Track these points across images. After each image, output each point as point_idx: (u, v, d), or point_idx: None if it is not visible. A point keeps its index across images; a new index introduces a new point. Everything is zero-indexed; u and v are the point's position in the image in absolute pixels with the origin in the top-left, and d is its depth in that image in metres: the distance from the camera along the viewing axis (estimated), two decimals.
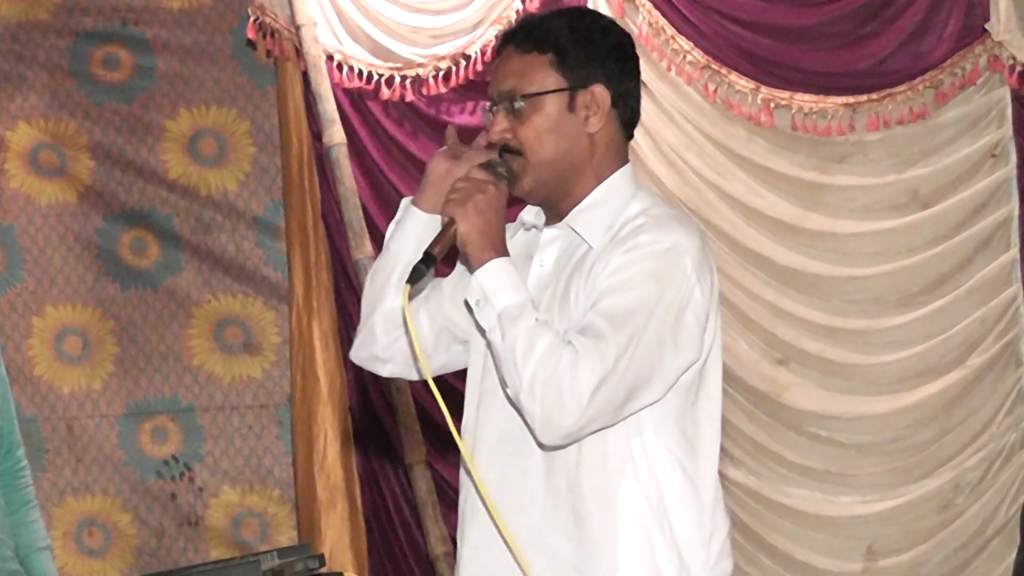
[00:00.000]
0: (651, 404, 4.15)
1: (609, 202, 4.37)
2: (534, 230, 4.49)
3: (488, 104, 4.40)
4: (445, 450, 7.27)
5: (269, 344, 8.27)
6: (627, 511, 4.23)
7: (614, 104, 4.28)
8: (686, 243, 4.20)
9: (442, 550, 7.38)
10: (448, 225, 4.29)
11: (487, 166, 4.34)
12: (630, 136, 4.41)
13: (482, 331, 4.31)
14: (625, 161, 4.41)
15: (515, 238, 4.55)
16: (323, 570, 6.14)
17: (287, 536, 8.08)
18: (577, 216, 4.33)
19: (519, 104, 4.32)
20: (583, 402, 4.06)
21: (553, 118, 4.31)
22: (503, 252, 4.25)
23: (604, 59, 4.31)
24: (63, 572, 7.75)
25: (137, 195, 8.25)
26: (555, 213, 4.38)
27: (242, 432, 8.27)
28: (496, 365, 4.28)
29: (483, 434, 4.48)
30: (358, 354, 4.60)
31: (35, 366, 8.13)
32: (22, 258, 8.13)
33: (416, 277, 4.27)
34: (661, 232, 4.20)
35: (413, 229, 4.53)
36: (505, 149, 4.33)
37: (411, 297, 4.45)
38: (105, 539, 8.21)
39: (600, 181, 4.36)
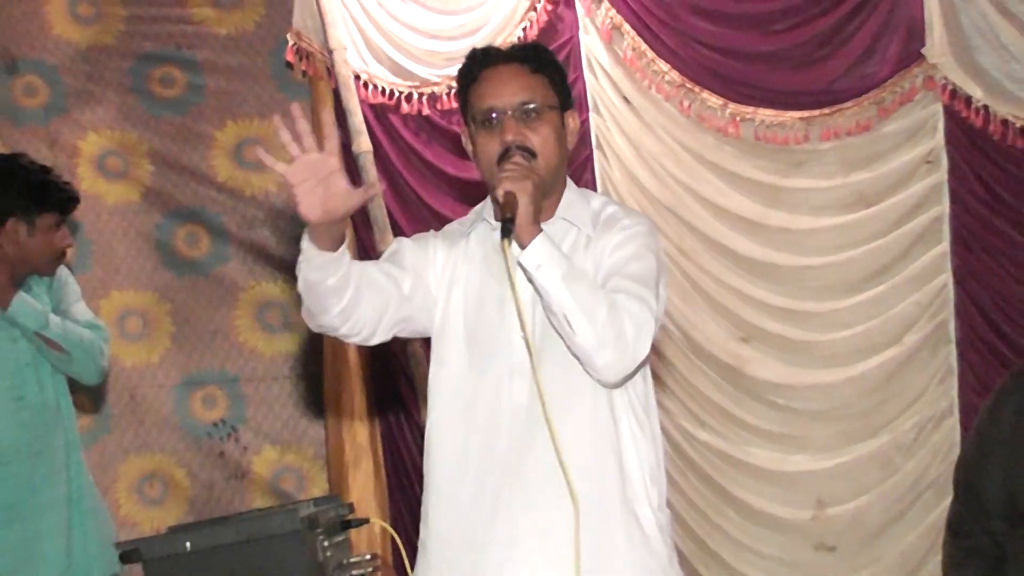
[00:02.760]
0: None
1: (579, 200, 4.83)
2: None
3: (492, 112, 4.69)
4: None
5: (304, 323, 8.40)
6: (617, 458, 4.69)
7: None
8: (651, 225, 4.84)
9: None
10: (510, 196, 4.50)
11: (510, 156, 4.68)
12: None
13: (539, 292, 4.55)
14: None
15: (475, 235, 4.87)
16: (352, 517, 6.08)
17: (320, 488, 8.26)
18: (567, 211, 4.76)
19: (533, 113, 4.69)
20: (647, 345, 4.52)
21: (557, 129, 4.71)
22: (537, 224, 4.53)
23: (568, 89, 4.94)
24: (128, 519, 8.23)
25: (190, 196, 8.45)
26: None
27: (281, 399, 8.48)
28: (557, 318, 4.54)
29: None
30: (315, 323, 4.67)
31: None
32: (90, 250, 8.24)
33: (509, 234, 4.48)
34: (634, 217, 4.80)
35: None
36: (522, 148, 4.63)
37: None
38: (163, 491, 8.39)
39: (564, 186, 4.83)
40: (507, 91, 4.72)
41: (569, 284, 4.49)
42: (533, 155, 4.63)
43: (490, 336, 4.68)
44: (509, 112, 4.68)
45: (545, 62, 4.86)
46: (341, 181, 4.30)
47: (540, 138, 4.66)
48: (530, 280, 4.57)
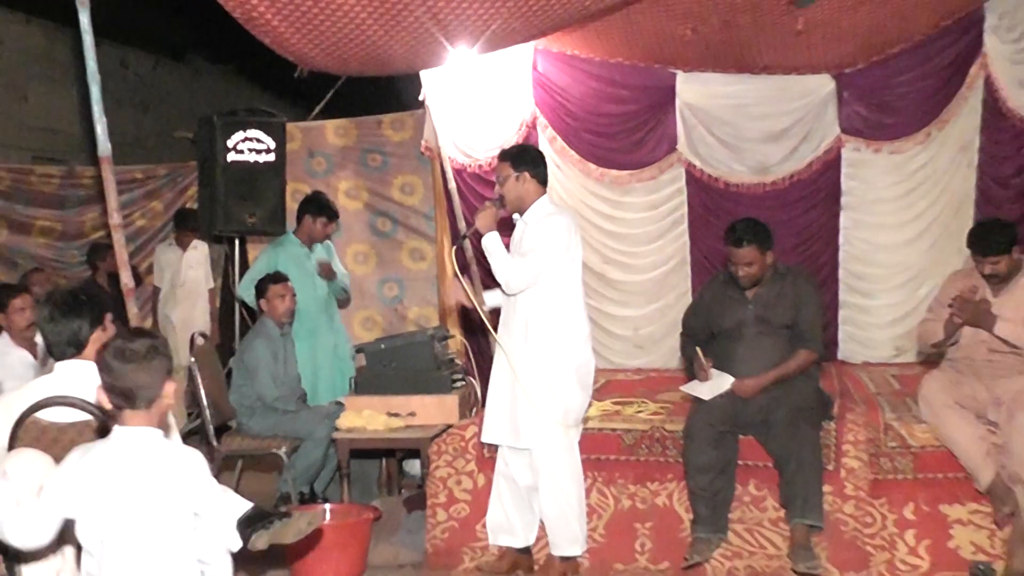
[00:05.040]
0: (537, 283, 4.84)
1: (538, 208, 4.95)
2: (519, 219, 5.03)
3: (494, 180, 5.09)
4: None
5: (429, 257, 8.43)
6: (544, 323, 4.92)
7: (533, 177, 4.98)
8: (561, 221, 4.94)
9: None
10: (473, 226, 4.96)
11: (493, 202, 5.02)
12: (544, 184, 5.06)
13: (488, 254, 4.89)
14: (543, 193, 5.03)
15: (518, 221, 5.05)
16: (449, 334, 6.59)
17: (435, 323, 8.13)
18: (527, 215, 4.96)
19: (502, 178, 4.98)
20: (524, 281, 4.81)
21: (513, 184, 4.96)
22: (493, 229, 4.90)
23: (527, 162, 5.00)
24: (356, 336, 8.14)
25: (383, 206, 8.55)
26: (520, 214, 5.02)
27: (420, 287, 8.54)
28: (493, 270, 4.92)
29: (507, 304, 5.03)
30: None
31: (347, 267, 7.99)
32: (343, 228, 8.19)
33: (459, 245, 5.10)
34: (552, 218, 4.92)
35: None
36: (500, 196, 5.00)
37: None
38: (372, 325, 8.51)
39: (534, 203, 4.97)
40: (497, 172, 5.07)
41: (497, 255, 4.89)
42: (503, 198, 5.00)
43: None
44: (496, 180, 5.05)
45: (505, 154, 5.05)
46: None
47: (505, 191, 4.97)
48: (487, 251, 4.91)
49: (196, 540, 2.86)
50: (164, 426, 2.95)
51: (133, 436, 2.85)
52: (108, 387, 2.84)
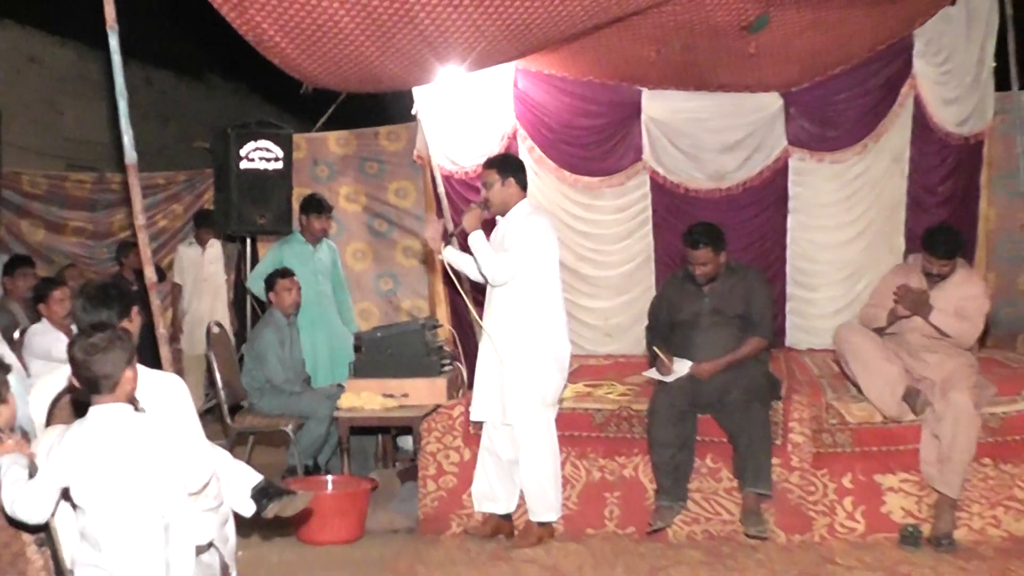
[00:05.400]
0: (518, 277, 4.77)
1: (519, 211, 4.90)
2: (501, 219, 4.97)
3: (480, 185, 5.03)
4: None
5: (421, 255, 8.18)
6: (525, 314, 4.87)
7: (517, 183, 4.94)
8: (540, 221, 4.92)
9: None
10: (460, 225, 4.95)
11: (478, 205, 4.95)
12: (525, 188, 5.04)
13: (474, 251, 4.83)
14: (524, 197, 4.98)
15: (500, 221, 5.01)
16: (438, 325, 6.30)
17: (426, 313, 7.94)
18: (508, 216, 4.91)
19: (487, 185, 4.93)
20: (506, 274, 4.77)
21: (499, 189, 4.90)
22: (477, 229, 4.84)
23: (512, 169, 4.98)
24: (368, 313, 8.30)
25: (380, 208, 8.42)
26: (503, 216, 4.95)
27: (414, 281, 8.40)
28: (478, 262, 4.86)
29: (490, 296, 4.97)
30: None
31: (347, 263, 8.09)
32: (343, 229, 8.27)
33: (448, 242, 4.98)
34: (531, 219, 4.88)
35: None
36: (485, 199, 4.94)
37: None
38: (369, 316, 8.27)
39: (515, 205, 4.92)
40: (482, 177, 5.01)
41: (483, 251, 4.85)
42: (488, 200, 4.94)
43: None
44: (481, 185, 5.00)
45: (491, 162, 5.02)
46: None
47: (490, 195, 4.91)
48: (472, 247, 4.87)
49: (162, 498, 2.91)
50: (133, 401, 3.01)
51: (105, 412, 2.92)
52: (76, 375, 2.94)
